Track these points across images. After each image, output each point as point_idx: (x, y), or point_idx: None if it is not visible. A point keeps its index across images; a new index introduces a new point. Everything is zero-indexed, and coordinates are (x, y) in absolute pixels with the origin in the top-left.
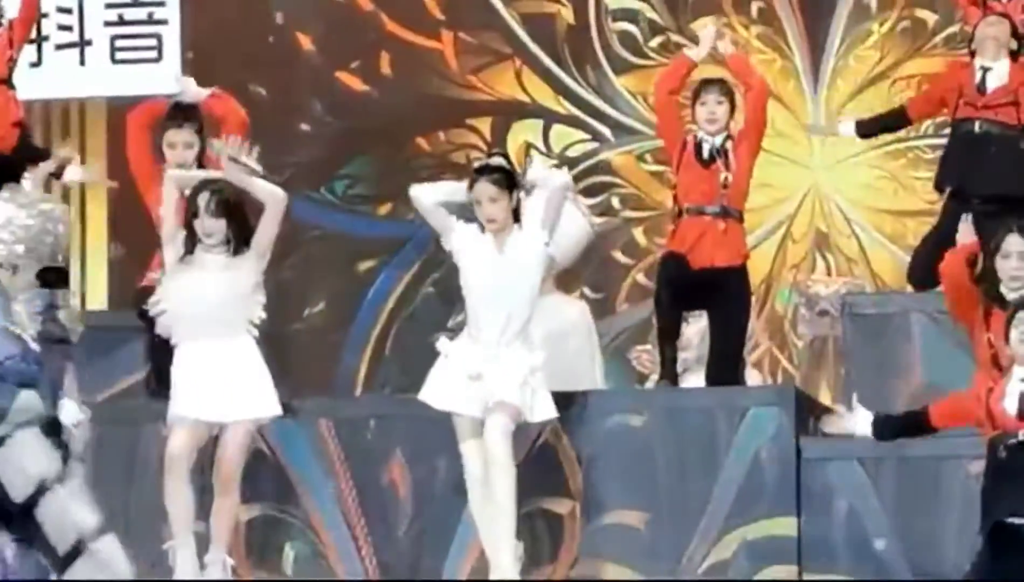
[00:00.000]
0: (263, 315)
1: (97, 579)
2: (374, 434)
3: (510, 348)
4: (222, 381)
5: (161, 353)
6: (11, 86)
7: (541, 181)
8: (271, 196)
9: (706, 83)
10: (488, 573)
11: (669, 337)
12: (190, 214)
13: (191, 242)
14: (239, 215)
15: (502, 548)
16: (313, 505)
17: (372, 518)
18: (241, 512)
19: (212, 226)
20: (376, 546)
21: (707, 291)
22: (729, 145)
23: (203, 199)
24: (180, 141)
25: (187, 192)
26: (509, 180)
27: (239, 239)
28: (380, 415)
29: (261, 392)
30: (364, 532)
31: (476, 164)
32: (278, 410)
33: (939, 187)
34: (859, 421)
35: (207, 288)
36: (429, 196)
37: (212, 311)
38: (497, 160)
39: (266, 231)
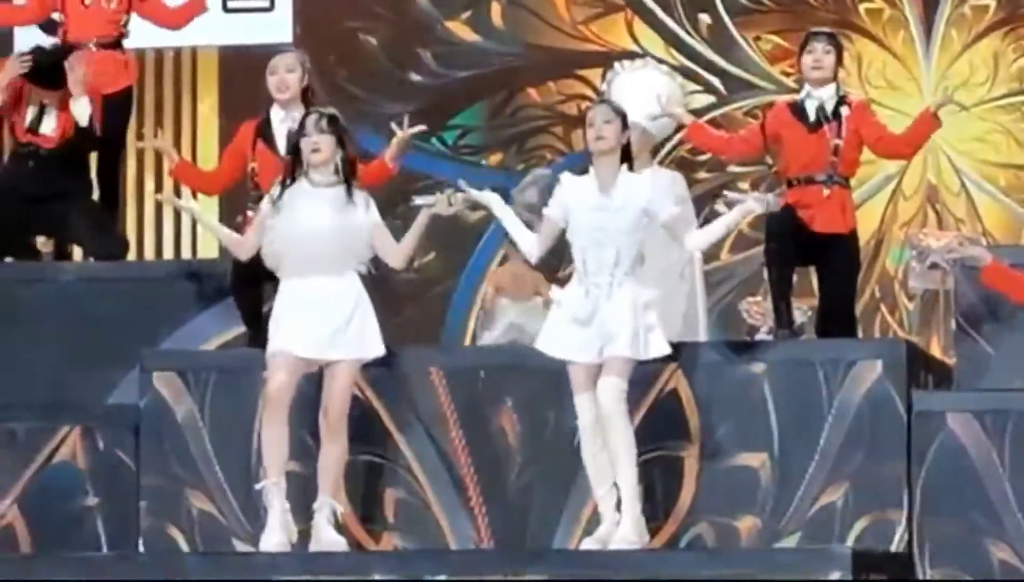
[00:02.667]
0: (371, 255)
1: None
2: (484, 384)
3: (622, 288)
4: (325, 317)
5: (246, 296)
6: (123, 50)
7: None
8: None
9: (814, 33)
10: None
11: (782, 290)
12: (296, 140)
13: (294, 172)
14: (348, 142)
15: (625, 512)
16: (419, 454)
17: (481, 467)
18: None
19: (320, 141)
20: (486, 495)
21: (816, 251)
22: (844, 112)
23: (312, 119)
24: (282, 64)
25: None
26: (623, 116)
27: (347, 169)
28: (490, 364)
29: (365, 330)
30: (474, 481)
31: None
32: (382, 350)
33: None
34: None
35: (316, 222)
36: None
37: (320, 246)
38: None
39: None
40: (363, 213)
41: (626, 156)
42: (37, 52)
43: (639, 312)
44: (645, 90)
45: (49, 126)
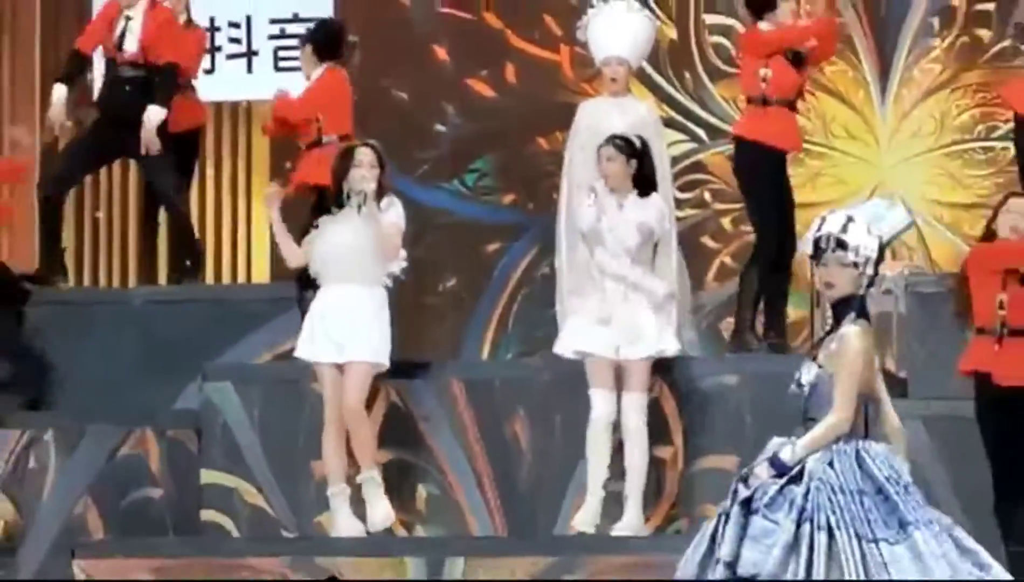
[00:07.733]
0: (402, 266)
1: None
2: (499, 393)
3: (636, 291)
4: (343, 322)
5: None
6: (192, 91)
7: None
8: None
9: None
10: (586, 509)
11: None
12: (342, 170)
13: (339, 201)
14: (387, 170)
15: (631, 506)
16: (443, 453)
17: (497, 466)
18: (380, 457)
19: (370, 176)
20: (500, 490)
21: None
22: None
23: (362, 152)
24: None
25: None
26: (629, 148)
27: (381, 192)
28: (504, 377)
29: (379, 339)
30: (490, 477)
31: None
32: (386, 363)
33: None
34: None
35: (351, 234)
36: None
37: (352, 255)
38: (628, 135)
39: None
40: (392, 215)
41: (640, 181)
42: None
43: (655, 311)
44: (623, 27)
45: (132, 44)
